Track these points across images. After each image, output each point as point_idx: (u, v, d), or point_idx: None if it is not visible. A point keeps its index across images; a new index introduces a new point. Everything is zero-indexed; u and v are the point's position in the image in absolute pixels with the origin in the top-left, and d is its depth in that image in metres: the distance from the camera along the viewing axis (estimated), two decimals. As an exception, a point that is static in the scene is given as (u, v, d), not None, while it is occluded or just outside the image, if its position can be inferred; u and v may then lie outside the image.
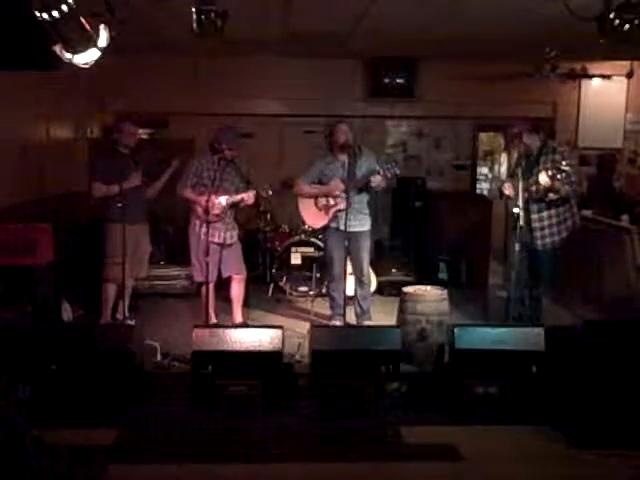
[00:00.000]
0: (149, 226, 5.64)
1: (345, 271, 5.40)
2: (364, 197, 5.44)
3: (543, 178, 4.65)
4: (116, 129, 5.44)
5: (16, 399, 1.98)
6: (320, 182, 5.45)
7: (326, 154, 5.53)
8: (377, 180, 5.21)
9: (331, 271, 5.56)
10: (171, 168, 5.52)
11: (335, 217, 5.39)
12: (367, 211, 5.50)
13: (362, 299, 5.54)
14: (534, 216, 4.94)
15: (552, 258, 5.05)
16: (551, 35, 5.71)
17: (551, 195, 4.76)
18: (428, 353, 4.76)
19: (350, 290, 5.58)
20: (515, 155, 5.35)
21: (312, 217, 5.57)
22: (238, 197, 5.26)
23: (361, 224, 5.41)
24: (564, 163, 4.59)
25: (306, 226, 6.45)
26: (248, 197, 5.28)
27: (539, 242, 4.98)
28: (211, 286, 5.28)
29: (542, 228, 4.97)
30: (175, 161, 5.52)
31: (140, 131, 7.92)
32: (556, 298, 5.62)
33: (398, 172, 5.37)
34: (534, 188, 4.79)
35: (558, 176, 4.54)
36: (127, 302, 5.32)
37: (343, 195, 5.24)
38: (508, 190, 5.01)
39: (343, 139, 5.27)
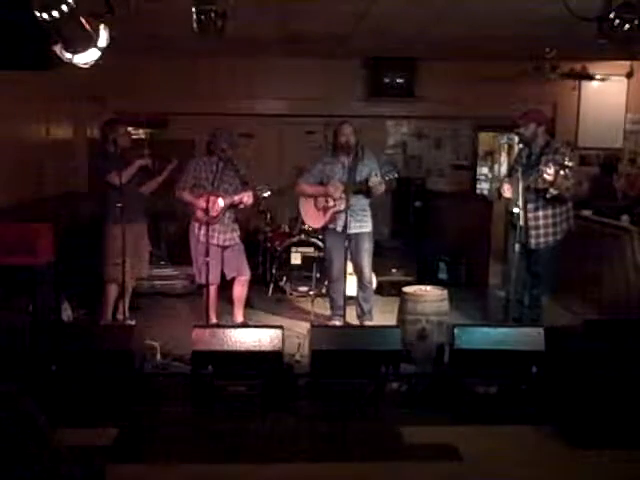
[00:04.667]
0: (147, 225, 5.60)
1: (345, 272, 5.40)
2: (364, 199, 5.39)
3: (547, 171, 4.64)
4: (108, 130, 5.34)
5: (19, 410, 1.95)
6: (321, 182, 5.43)
7: (327, 154, 5.52)
8: (375, 181, 5.17)
9: (330, 272, 5.55)
10: (171, 165, 5.46)
11: (334, 218, 5.38)
12: (368, 213, 5.45)
13: (363, 301, 5.53)
14: (530, 215, 4.94)
15: (547, 258, 5.04)
16: (551, 35, 5.70)
17: (552, 191, 4.73)
18: (428, 353, 4.75)
19: (351, 290, 5.57)
20: (517, 150, 5.32)
21: (311, 217, 5.58)
22: (236, 198, 5.24)
23: (361, 226, 5.38)
24: (567, 159, 4.57)
25: (306, 226, 6.45)
26: (246, 198, 5.27)
27: (533, 241, 4.97)
28: (213, 287, 5.26)
29: (537, 227, 4.96)
30: (174, 159, 5.49)
31: (141, 131, 8.03)
32: (556, 298, 5.62)
33: (397, 176, 5.35)
34: (536, 181, 4.76)
35: (561, 172, 4.53)
36: (127, 302, 5.32)
37: (342, 196, 5.24)
38: (507, 192, 5.00)
39: (343, 140, 5.26)
